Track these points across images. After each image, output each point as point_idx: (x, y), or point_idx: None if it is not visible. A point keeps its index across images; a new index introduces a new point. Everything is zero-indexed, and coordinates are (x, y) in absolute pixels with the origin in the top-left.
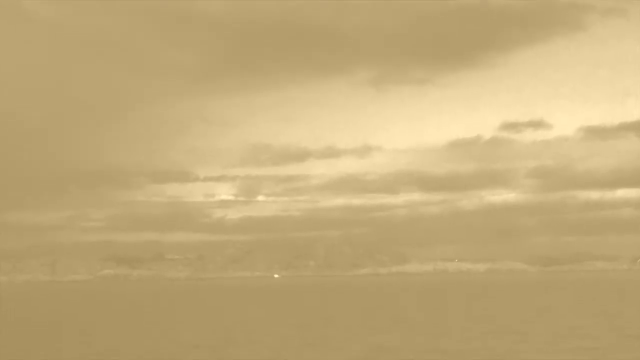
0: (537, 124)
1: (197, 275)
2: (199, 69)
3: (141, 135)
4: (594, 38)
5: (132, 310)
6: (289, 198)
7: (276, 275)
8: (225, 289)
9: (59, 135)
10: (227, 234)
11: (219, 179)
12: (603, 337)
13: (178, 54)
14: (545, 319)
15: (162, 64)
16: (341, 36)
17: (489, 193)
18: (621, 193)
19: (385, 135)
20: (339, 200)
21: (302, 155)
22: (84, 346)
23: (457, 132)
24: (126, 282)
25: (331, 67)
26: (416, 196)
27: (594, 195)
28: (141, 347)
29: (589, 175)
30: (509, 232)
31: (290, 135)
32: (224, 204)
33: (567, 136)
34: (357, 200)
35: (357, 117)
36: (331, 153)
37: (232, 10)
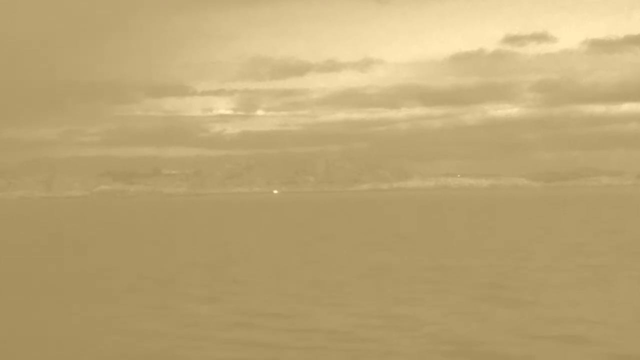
0: (541, 37)
1: (195, 190)
2: None
3: (138, 48)
4: None
5: (129, 226)
6: (289, 112)
7: (275, 191)
8: (223, 204)
9: (55, 49)
10: (225, 149)
11: (217, 93)
12: (608, 254)
13: None
14: (549, 236)
15: None
16: None
17: (492, 107)
18: (626, 107)
19: (386, 49)
20: (340, 115)
21: (302, 69)
22: (80, 263)
23: (460, 45)
24: (123, 197)
25: None
26: (418, 110)
27: (599, 109)
28: (138, 264)
29: (594, 89)
30: (512, 147)
31: (290, 49)
32: (222, 118)
33: (571, 49)
34: (357, 115)
35: (358, 30)
36: (332, 67)
37: None
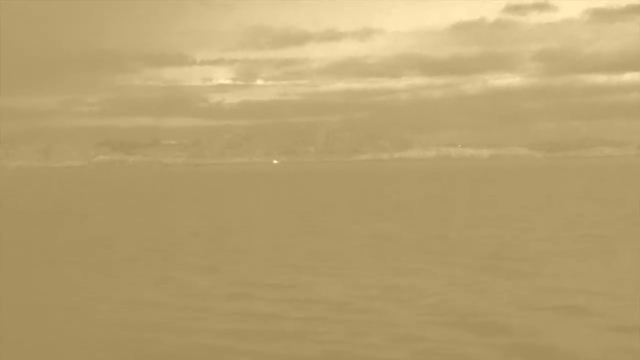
0: (542, 6)
1: (194, 161)
2: None
3: (137, 17)
4: None
5: (128, 196)
6: (289, 82)
7: (275, 161)
8: (223, 175)
9: (54, 18)
10: (224, 118)
11: (217, 62)
12: (610, 225)
13: None
14: (551, 206)
15: None
16: None
17: (493, 77)
18: (628, 77)
19: (386, 18)
20: (340, 85)
21: (302, 39)
22: (79, 233)
23: (461, 14)
24: (121, 167)
25: None
26: (418, 80)
27: (601, 79)
28: (138, 234)
29: (596, 58)
30: (513, 117)
31: (290, 18)
32: (221, 88)
33: (573, 18)
34: (358, 85)
35: None
36: (332, 36)
37: None
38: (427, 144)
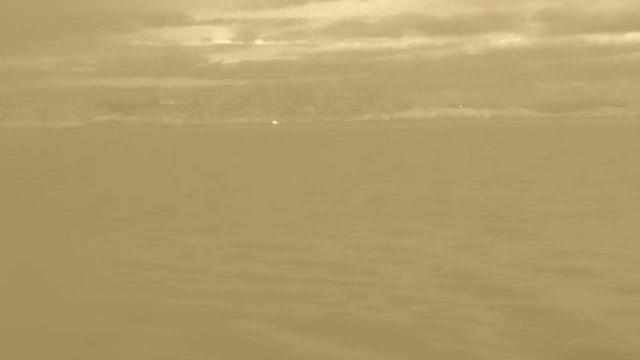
0: None
1: (193, 121)
2: None
3: None
4: None
5: (126, 157)
6: (289, 42)
7: (275, 122)
8: (222, 135)
9: None
10: (224, 79)
11: (216, 22)
12: (612, 186)
13: None
14: (552, 167)
15: None
16: None
17: (495, 37)
18: (631, 37)
19: None
20: (340, 44)
21: None
22: (77, 194)
23: None
24: (120, 128)
25: None
26: (419, 40)
27: (603, 39)
28: (136, 195)
29: (598, 18)
30: (515, 77)
31: None
32: (221, 48)
33: None
34: (358, 44)
35: None
36: None
37: None
38: (428, 104)
